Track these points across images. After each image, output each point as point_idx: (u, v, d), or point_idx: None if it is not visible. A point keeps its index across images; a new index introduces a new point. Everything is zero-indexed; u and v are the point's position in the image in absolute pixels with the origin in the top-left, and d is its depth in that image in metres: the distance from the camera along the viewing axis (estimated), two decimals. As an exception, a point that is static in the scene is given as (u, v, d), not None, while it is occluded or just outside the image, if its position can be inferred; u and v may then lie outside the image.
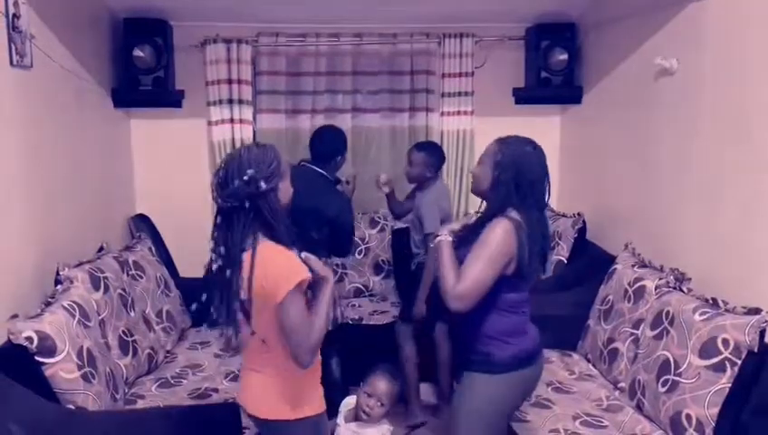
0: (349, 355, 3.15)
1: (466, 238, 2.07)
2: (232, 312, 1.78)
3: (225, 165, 1.79)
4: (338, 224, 2.92)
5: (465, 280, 1.95)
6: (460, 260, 2.02)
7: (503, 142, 2.10)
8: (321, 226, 2.86)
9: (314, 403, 1.92)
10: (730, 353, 2.15)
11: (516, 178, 2.02)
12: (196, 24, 3.81)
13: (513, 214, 2.02)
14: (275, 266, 1.74)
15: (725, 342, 2.17)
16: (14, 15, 2.36)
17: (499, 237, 1.97)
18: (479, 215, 2.13)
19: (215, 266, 1.82)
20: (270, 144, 1.88)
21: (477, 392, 2.09)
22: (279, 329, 1.77)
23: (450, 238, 2.08)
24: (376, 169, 4.10)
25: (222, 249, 1.79)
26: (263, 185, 1.75)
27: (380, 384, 2.38)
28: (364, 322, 3.63)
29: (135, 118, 3.90)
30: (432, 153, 3.41)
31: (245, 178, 1.74)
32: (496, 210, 2.04)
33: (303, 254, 1.85)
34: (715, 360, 2.18)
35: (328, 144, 3.04)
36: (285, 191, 1.86)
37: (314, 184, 2.92)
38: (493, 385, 2.08)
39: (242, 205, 1.76)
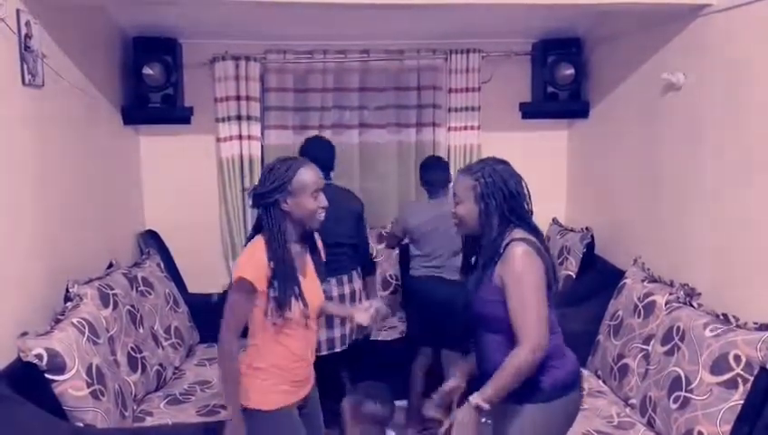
0: (356, 370, 3.14)
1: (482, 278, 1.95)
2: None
3: None
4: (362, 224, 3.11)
5: (531, 331, 1.80)
6: (481, 313, 1.94)
7: (474, 172, 1.96)
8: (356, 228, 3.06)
9: (272, 399, 2.03)
10: (742, 370, 2.13)
11: (504, 199, 1.93)
12: (205, 41, 3.85)
13: (518, 233, 1.92)
14: (241, 257, 2.02)
15: (737, 358, 2.15)
16: (26, 35, 2.39)
17: (528, 268, 1.84)
18: (479, 251, 1.99)
19: None
20: (296, 160, 2.03)
21: (530, 424, 1.92)
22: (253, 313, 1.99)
23: (475, 399, 1.87)
24: (383, 184, 4.12)
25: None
26: (250, 201, 2.02)
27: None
28: (372, 337, 3.62)
29: (144, 135, 3.93)
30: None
31: (251, 189, 2.03)
32: (497, 237, 1.92)
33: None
34: (726, 376, 2.16)
35: (330, 151, 3.10)
36: (298, 207, 1.97)
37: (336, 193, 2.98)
38: (546, 414, 1.92)
39: (254, 208, 2.04)
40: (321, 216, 2.04)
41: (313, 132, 4.03)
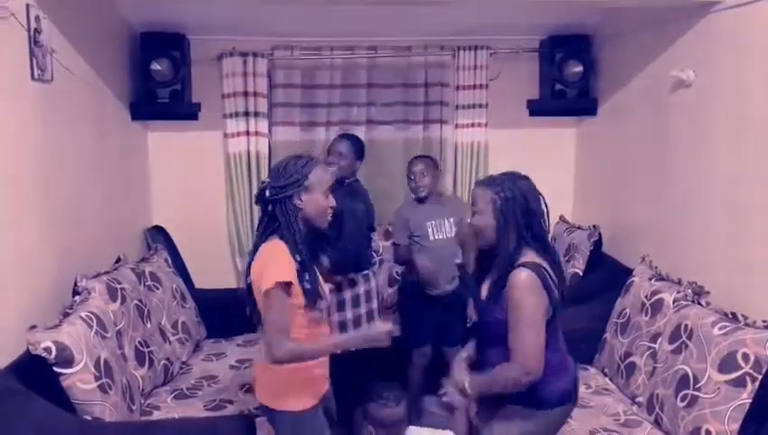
0: (360, 366, 3.14)
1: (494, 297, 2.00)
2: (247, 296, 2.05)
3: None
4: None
5: (524, 357, 1.89)
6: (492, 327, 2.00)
7: (493, 185, 2.00)
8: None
9: (296, 401, 2.04)
10: (750, 368, 2.12)
11: (523, 215, 1.96)
12: (213, 37, 3.85)
13: (529, 256, 1.94)
14: (263, 262, 1.97)
15: (745, 356, 2.14)
16: (36, 30, 2.40)
17: (529, 295, 1.89)
18: (495, 266, 2.02)
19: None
20: (310, 158, 2.06)
21: (518, 425, 2.02)
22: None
23: (469, 381, 2.00)
24: (389, 181, 4.11)
25: (255, 243, 2.07)
26: (267, 194, 1.99)
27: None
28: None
29: (152, 130, 3.94)
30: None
31: (263, 185, 2.02)
32: (513, 253, 1.95)
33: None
34: (734, 374, 2.16)
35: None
36: (312, 204, 2.00)
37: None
38: (535, 420, 2.02)
39: (266, 207, 2.01)
40: (330, 215, 2.07)
41: (321, 129, 4.04)
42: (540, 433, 2.06)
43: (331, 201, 2.05)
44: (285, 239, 1.97)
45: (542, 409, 2.01)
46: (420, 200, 3.28)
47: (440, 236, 3.25)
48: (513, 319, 1.91)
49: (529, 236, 1.97)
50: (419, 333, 3.32)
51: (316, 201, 2.01)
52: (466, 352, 2.17)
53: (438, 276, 3.20)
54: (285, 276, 1.92)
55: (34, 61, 2.39)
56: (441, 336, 3.29)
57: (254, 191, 3.84)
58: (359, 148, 3.22)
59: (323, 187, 2.02)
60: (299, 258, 1.96)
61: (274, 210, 1.99)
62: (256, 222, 3.88)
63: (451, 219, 3.25)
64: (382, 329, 2.01)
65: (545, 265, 1.95)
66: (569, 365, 2.09)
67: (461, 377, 2.04)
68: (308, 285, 1.96)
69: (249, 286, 2.05)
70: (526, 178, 2.04)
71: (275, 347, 1.91)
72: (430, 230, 3.24)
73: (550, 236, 3.92)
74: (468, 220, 2.10)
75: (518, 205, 1.96)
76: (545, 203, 2.04)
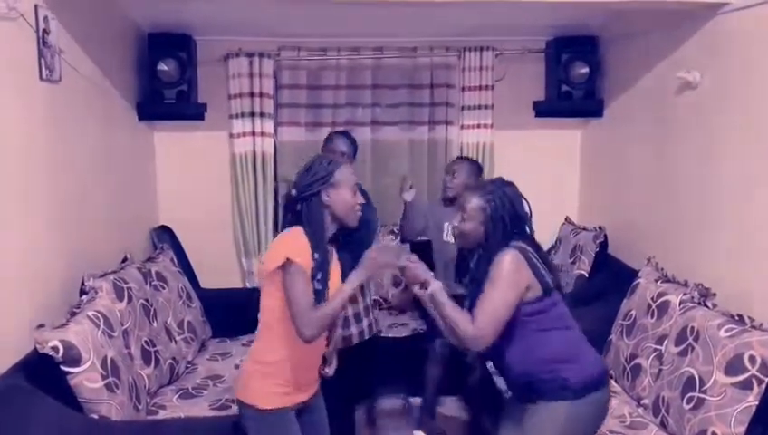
0: (367, 368, 3.15)
1: (476, 282, 2.06)
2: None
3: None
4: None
5: (478, 318, 1.94)
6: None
7: (485, 194, 2.08)
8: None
9: (261, 397, 2.01)
10: (757, 371, 2.12)
11: (511, 220, 2.05)
12: (220, 38, 3.87)
13: (514, 243, 2.02)
14: (277, 242, 2.01)
15: (752, 359, 2.14)
16: (44, 31, 2.41)
17: (507, 267, 1.96)
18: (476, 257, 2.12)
19: None
20: (335, 158, 2.12)
21: (559, 421, 2.00)
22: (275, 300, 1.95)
23: (439, 284, 2.04)
24: (394, 182, 4.11)
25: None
26: (294, 191, 2.02)
27: None
28: (383, 334, 3.63)
29: (159, 130, 3.96)
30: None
31: (292, 181, 2.05)
32: (496, 250, 2.02)
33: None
34: (741, 377, 2.15)
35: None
36: (340, 200, 2.02)
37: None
38: (574, 411, 2.00)
39: (293, 206, 2.03)
40: (359, 212, 2.08)
41: (326, 129, 4.04)
42: (585, 423, 2.04)
43: (359, 198, 2.07)
44: (308, 235, 1.96)
45: (577, 398, 1.99)
46: (446, 201, 3.32)
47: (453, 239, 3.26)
48: (485, 287, 1.97)
49: (516, 235, 2.06)
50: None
51: (344, 198, 2.02)
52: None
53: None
54: (299, 259, 1.90)
55: (43, 61, 2.41)
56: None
57: (260, 191, 3.93)
58: (356, 146, 3.21)
59: (350, 183, 2.04)
60: (317, 256, 1.95)
61: (301, 209, 2.00)
62: (262, 222, 3.99)
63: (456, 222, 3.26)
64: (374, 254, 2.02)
65: (530, 248, 2.03)
66: (588, 350, 2.10)
67: (428, 275, 2.06)
68: (318, 286, 1.95)
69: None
70: (511, 183, 2.15)
71: (304, 326, 1.89)
72: (445, 231, 3.27)
73: (555, 238, 3.97)
74: (455, 223, 2.17)
75: (506, 211, 2.05)
76: (529, 207, 2.13)
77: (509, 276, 1.95)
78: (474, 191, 2.12)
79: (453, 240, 3.21)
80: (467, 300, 2.10)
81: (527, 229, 2.10)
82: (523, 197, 2.12)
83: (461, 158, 3.54)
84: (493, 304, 1.94)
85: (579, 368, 2.02)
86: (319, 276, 1.95)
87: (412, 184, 3.33)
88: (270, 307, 2.00)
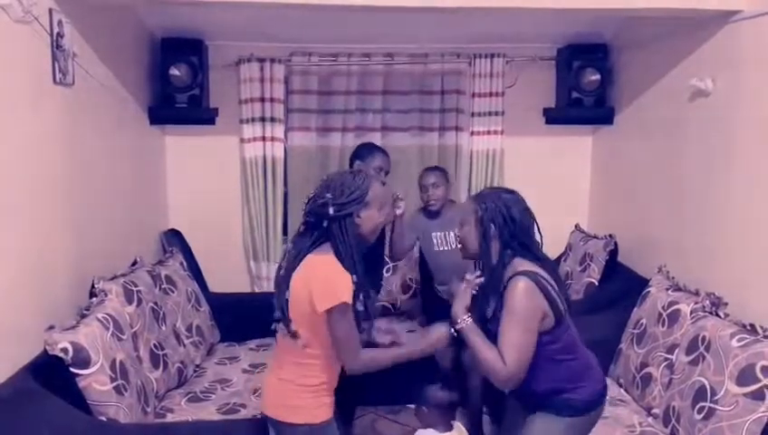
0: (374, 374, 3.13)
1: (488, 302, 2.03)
2: (281, 307, 1.95)
3: (320, 184, 1.98)
4: None
5: (510, 358, 1.89)
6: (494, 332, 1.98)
7: (478, 198, 2.09)
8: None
9: (313, 412, 1.98)
10: (769, 381, 2.09)
11: (505, 223, 1.99)
12: (231, 43, 3.89)
13: (520, 264, 1.97)
14: (318, 277, 1.88)
15: (764, 368, 2.12)
16: (59, 34, 2.43)
17: (523, 299, 1.90)
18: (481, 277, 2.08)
19: (283, 264, 2.01)
20: (366, 173, 2.03)
21: (558, 431, 2.03)
22: (324, 336, 1.91)
23: (470, 321, 2.00)
24: (405, 188, 4.11)
25: (292, 252, 1.98)
26: (330, 211, 1.90)
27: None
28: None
29: (170, 135, 3.98)
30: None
31: (322, 200, 1.92)
32: (497, 265, 1.99)
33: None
34: (753, 387, 2.13)
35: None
36: (369, 220, 1.97)
37: None
38: (577, 422, 2.03)
39: (319, 222, 1.93)
40: (379, 230, 2.06)
41: (336, 135, 4.05)
42: None
43: (386, 213, 2.04)
44: (340, 256, 1.90)
45: (573, 416, 2.01)
46: (431, 214, 3.28)
47: (445, 248, 3.24)
48: (504, 324, 1.92)
49: (516, 244, 2.00)
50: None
51: (372, 217, 1.98)
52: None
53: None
54: (349, 297, 1.87)
55: (57, 64, 2.43)
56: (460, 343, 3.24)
57: (270, 196, 3.93)
58: (389, 160, 3.18)
59: (379, 201, 1.99)
60: (355, 279, 1.90)
61: (330, 226, 1.92)
62: (271, 227, 3.99)
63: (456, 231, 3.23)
64: (440, 334, 2.05)
65: (541, 272, 1.97)
66: (594, 370, 2.10)
67: (461, 311, 2.02)
68: (360, 307, 1.92)
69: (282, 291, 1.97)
70: (512, 191, 2.10)
71: (351, 361, 1.92)
72: (435, 241, 3.25)
73: (565, 245, 3.95)
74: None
75: (498, 213, 2.00)
76: (533, 216, 2.07)
77: (526, 312, 1.90)
78: (472, 197, 2.13)
79: (449, 248, 3.23)
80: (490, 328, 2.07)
81: (530, 236, 2.04)
82: (525, 204, 2.06)
83: (433, 168, 3.43)
84: (518, 342, 1.90)
85: (583, 391, 2.03)
86: (360, 297, 1.92)
87: (402, 197, 3.25)
88: (319, 343, 1.94)
